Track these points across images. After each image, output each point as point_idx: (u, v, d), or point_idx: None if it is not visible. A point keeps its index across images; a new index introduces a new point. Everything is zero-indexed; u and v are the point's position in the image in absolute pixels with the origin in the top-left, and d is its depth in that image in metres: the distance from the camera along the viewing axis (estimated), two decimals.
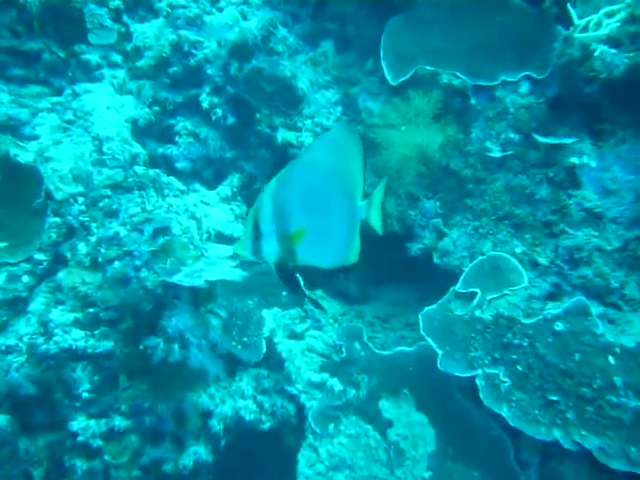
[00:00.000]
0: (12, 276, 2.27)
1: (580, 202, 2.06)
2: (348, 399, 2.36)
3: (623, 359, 1.82)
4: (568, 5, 1.97)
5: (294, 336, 2.57)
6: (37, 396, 2.19)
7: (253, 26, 2.56)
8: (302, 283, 2.61)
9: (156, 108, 2.77)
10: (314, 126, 2.67)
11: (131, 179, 2.46)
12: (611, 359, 1.83)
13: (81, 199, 2.38)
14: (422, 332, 2.20)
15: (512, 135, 2.24)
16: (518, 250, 2.18)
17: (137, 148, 2.63)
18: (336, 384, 2.39)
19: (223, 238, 2.62)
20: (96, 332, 2.25)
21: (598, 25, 1.90)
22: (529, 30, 2.23)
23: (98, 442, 2.22)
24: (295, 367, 2.46)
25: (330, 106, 2.67)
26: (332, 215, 1.41)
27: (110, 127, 2.62)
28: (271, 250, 1.40)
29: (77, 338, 2.22)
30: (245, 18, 2.69)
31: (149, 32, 2.79)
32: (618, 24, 1.85)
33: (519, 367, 1.97)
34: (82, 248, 2.31)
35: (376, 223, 1.45)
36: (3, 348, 2.18)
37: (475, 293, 2.16)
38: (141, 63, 2.75)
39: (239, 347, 2.47)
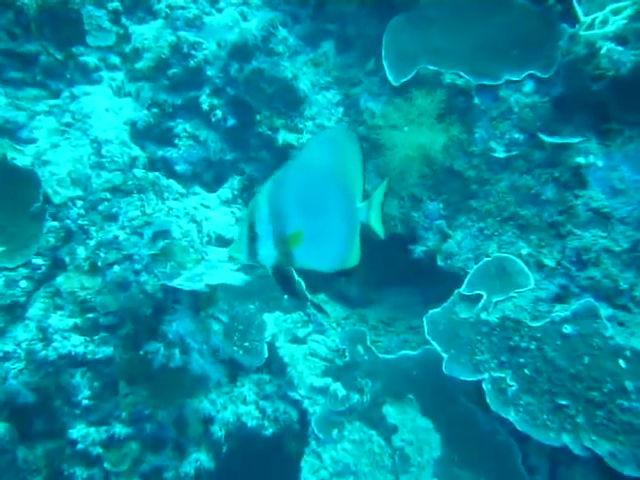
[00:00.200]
0: (10, 281, 2.24)
1: (587, 202, 2.03)
2: (352, 404, 2.33)
3: (634, 362, 1.79)
4: (574, 2, 1.94)
5: (296, 340, 2.54)
6: (36, 403, 2.16)
7: (253, 27, 2.53)
8: (304, 287, 2.58)
9: (155, 110, 2.75)
10: (315, 127, 2.65)
11: (130, 182, 2.43)
12: (621, 362, 1.80)
13: (80, 203, 2.36)
14: (427, 336, 2.17)
15: (517, 135, 2.22)
16: (524, 251, 2.15)
17: (136, 151, 2.60)
18: (339, 389, 2.36)
19: (224, 241, 2.59)
20: (95, 338, 2.22)
21: (604, 23, 1.88)
22: (533, 28, 2.21)
23: (98, 450, 2.18)
24: (297, 372, 2.43)
25: (331, 107, 2.65)
26: (330, 217, 1.37)
27: (109, 130, 2.59)
28: (267, 253, 1.35)
29: (76, 344, 2.19)
30: (245, 19, 2.67)
31: (148, 34, 2.77)
32: (625, 21, 1.82)
33: (526, 371, 1.93)
34: (81, 252, 2.28)
35: (376, 225, 1.41)
36: (1, 354, 2.15)
37: (480, 295, 2.13)
38: (140, 65, 2.72)
39: (241, 352, 2.44)
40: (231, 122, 2.72)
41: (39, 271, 2.27)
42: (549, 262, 2.07)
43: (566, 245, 2.05)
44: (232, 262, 2.40)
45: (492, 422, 2.09)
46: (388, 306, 2.92)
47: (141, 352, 2.19)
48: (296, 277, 2.58)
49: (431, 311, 2.22)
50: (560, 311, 1.94)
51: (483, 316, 2.09)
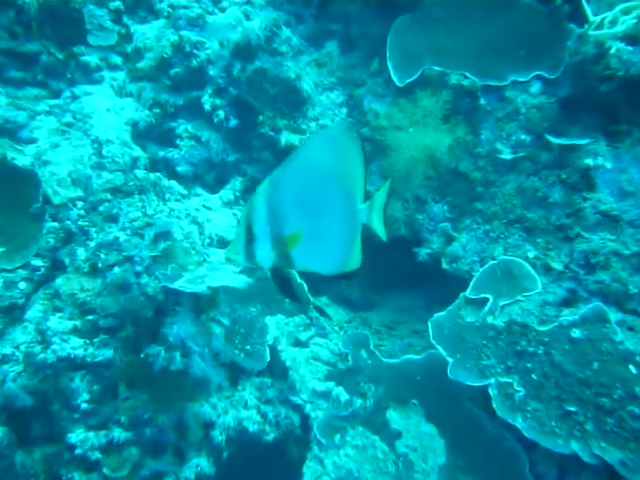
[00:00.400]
0: (9, 282, 2.21)
1: (595, 205, 2.00)
2: (355, 409, 2.30)
3: None
4: (583, 1, 1.91)
5: (298, 344, 2.51)
6: (34, 407, 2.13)
7: (256, 26, 2.51)
8: (306, 289, 2.56)
9: (157, 110, 2.72)
10: (319, 128, 2.62)
11: (131, 183, 2.40)
12: (632, 368, 1.76)
13: (80, 203, 2.33)
14: (432, 340, 2.14)
15: (523, 136, 2.19)
16: (531, 254, 2.12)
17: (137, 151, 2.58)
18: (342, 393, 2.33)
19: (225, 243, 2.56)
20: (95, 340, 2.18)
21: (613, 23, 1.85)
22: (540, 29, 2.18)
23: (97, 455, 2.15)
24: (300, 376, 2.40)
25: (335, 108, 2.62)
26: (330, 217, 1.32)
27: (110, 130, 2.57)
28: (265, 254, 1.31)
29: (76, 346, 2.16)
30: (248, 18, 2.65)
31: (150, 33, 2.74)
32: (635, 21, 1.80)
33: (534, 376, 1.90)
34: (81, 253, 2.25)
35: (379, 228, 1.36)
36: None
37: (486, 299, 2.10)
38: (142, 64, 2.70)
39: (242, 355, 2.41)
40: (233, 123, 2.69)
41: (38, 272, 2.24)
42: (557, 265, 2.04)
43: (574, 248, 2.02)
44: (233, 264, 2.37)
45: (499, 428, 2.06)
46: (391, 309, 2.90)
47: (141, 355, 2.16)
48: (298, 280, 2.55)
49: (436, 315, 2.19)
50: (568, 315, 1.91)
51: (489, 320, 2.06)
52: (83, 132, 2.54)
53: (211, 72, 2.66)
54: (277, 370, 2.46)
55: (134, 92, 2.76)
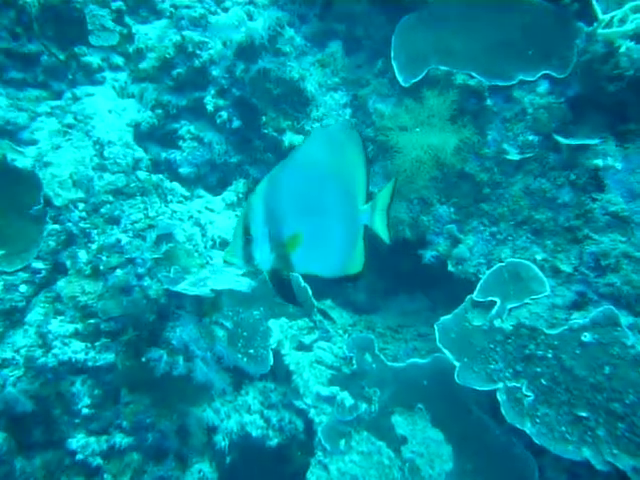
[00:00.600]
0: (9, 285, 2.19)
1: (605, 206, 1.96)
2: (359, 414, 2.26)
3: None
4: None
5: (302, 347, 2.48)
6: (34, 412, 2.10)
7: (260, 26, 2.48)
8: (310, 292, 2.53)
9: (159, 111, 2.70)
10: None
11: (133, 184, 2.38)
12: None
13: (81, 205, 2.31)
14: (438, 343, 2.11)
15: (531, 137, 2.16)
16: (539, 257, 2.09)
17: (139, 153, 2.56)
18: (347, 398, 2.30)
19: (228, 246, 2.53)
20: (97, 344, 2.16)
21: (623, 21, 1.82)
22: (548, 27, 2.15)
23: (98, 460, 2.13)
24: (303, 380, 2.37)
25: (339, 108, 2.59)
26: (330, 219, 1.29)
27: (112, 131, 2.55)
28: (264, 257, 1.28)
29: (77, 350, 2.13)
30: (251, 18, 2.62)
31: (152, 33, 2.73)
32: None
33: (543, 380, 1.86)
34: (82, 256, 2.23)
35: (381, 229, 1.32)
36: None
37: (494, 302, 2.07)
38: (144, 65, 2.68)
39: (245, 359, 2.38)
40: (236, 123, 2.67)
41: (39, 275, 2.23)
42: (565, 268, 2.01)
43: (583, 250, 1.98)
44: (232, 266, 2.33)
45: (507, 434, 2.02)
46: (396, 312, 2.87)
47: (143, 359, 2.14)
48: (302, 283, 2.52)
49: (442, 318, 2.15)
50: (578, 318, 1.87)
51: (497, 323, 2.03)
52: (85, 133, 2.52)
53: (214, 72, 2.64)
54: (280, 374, 2.43)
55: (136, 93, 2.74)
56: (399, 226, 2.43)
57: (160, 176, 2.53)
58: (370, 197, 1.32)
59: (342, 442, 2.23)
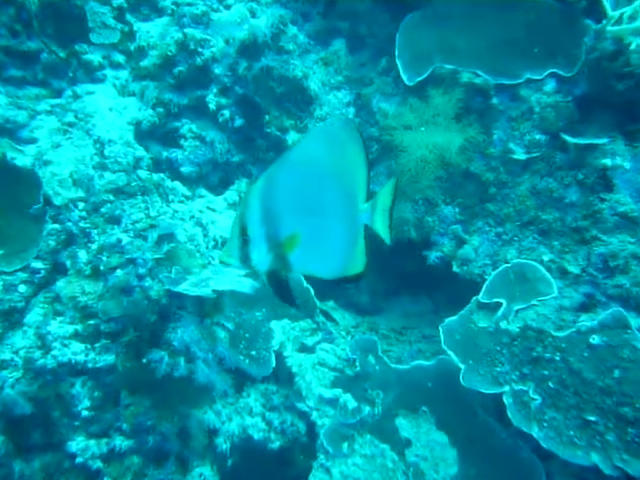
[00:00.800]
0: (8, 285, 2.16)
1: (613, 206, 1.94)
2: (362, 417, 2.24)
3: None
4: None
5: (305, 349, 2.45)
6: (33, 414, 2.07)
7: (263, 24, 2.46)
8: (313, 293, 2.50)
9: (160, 110, 2.67)
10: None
11: (134, 184, 2.35)
12: None
13: (81, 204, 2.28)
14: (443, 345, 2.08)
15: (538, 136, 2.13)
16: (546, 258, 2.06)
17: (140, 151, 2.53)
18: (349, 400, 2.27)
19: None
20: (97, 345, 2.13)
21: (633, 18, 1.79)
22: (555, 25, 2.13)
23: (98, 464, 2.10)
24: (306, 382, 2.34)
25: (342, 107, 2.57)
26: (329, 218, 1.25)
27: (112, 130, 2.53)
28: (261, 258, 1.24)
29: (77, 352, 2.11)
30: (254, 15, 2.59)
31: (153, 31, 2.70)
32: None
33: (551, 384, 1.83)
34: (82, 256, 2.20)
35: (382, 229, 1.28)
36: None
37: (500, 303, 2.04)
38: (145, 63, 2.65)
39: (247, 361, 2.36)
40: (239, 122, 2.64)
41: (38, 275, 2.20)
42: (573, 269, 1.98)
43: (591, 251, 1.96)
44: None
45: (514, 438, 1.99)
46: (400, 314, 2.84)
47: (144, 361, 2.11)
48: (304, 284, 2.50)
49: (447, 319, 2.13)
50: (586, 321, 1.84)
51: (503, 325, 2.00)
52: (85, 132, 2.49)
53: (216, 70, 2.61)
54: (283, 376, 2.41)
55: (137, 91, 2.71)
56: (404, 226, 2.40)
57: (161, 175, 2.51)
58: (371, 196, 1.29)
59: (345, 445, 2.20)
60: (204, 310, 2.28)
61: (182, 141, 2.69)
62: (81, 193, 2.30)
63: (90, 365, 2.10)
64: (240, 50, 2.54)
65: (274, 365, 2.33)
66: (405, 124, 2.32)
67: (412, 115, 2.30)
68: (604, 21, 1.88)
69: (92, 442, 2.10)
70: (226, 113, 2.62)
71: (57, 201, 2.26)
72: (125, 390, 2.15)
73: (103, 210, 2.26)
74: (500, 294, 2.05)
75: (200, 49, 2.57)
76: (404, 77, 2.34)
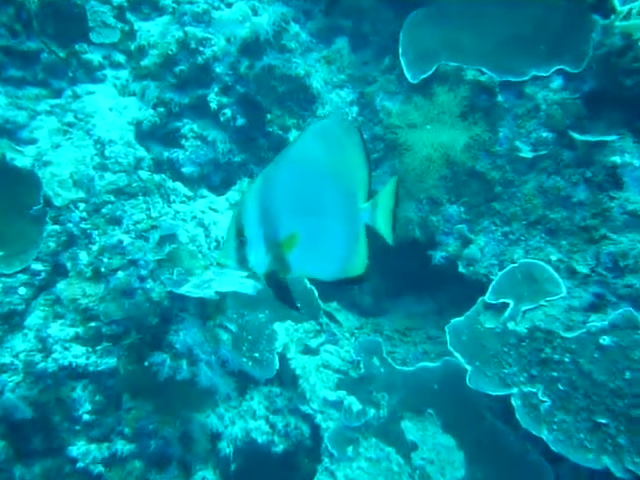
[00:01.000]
0: (7, 288, 2.13)
1: (623, 204, 1.91)
2: (367, 419, 2.22)
3: None
4: None
5: (308, 351, 2.43)
6: (34, 419, 2.04)
7: (265, 22, 2.43)
8: (316, 294, 2.48)
9: (161, 109, 2.65)
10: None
11: (135, 184, 2.32)
12: None
13: (82, 205, 2.25)
14: (449, 347, 2.05)
15: (544, 134, 2.10)
16: (553, 257, 2.03)
17: (141, 152, 2.50)
18: (354, 403, 2.25)
19: None
20: (98, 348, 2.10)
21: None
22: (561, 21, 2.10)
23: (99, 468, 2.07)
24: (310, 385, 2.32)
25: (345, 106, 2.54)
26: (328, 218, 1.21)
27: (113, 130, 2.50)
28: (259, 259, 1.21)
29: (77, 355, 2.08)
30: (256, 13, 2.57)
31: (154, 30, 2.68)
32: None
33: (560, 385, 1.80)
34: (83, 257, 2.17)
35: (384, 229, 1.23)
36: None
37: (507, 304, 2.01)
38: (145, 62, 2.62)
39: (250, 363, 2.33)
40: (241, 121, 2.61)
41: (39, 277, 2.17)
42: (582, 269, 1.95)
43: (600, 250, 1.92)
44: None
45: (522, 441, 1.96)
46: (403, 315, 2.81)
47: (146, 363, 2.08)
48: (308, 285, 2.47)
49: (453, 320, 2.10)
50: (596, 321, 1.81)
51: (510, 326, 1.97)
52: (85, 132, 2.47)
53: (217, 69, 2.58)
54: (286, 378, 2.39)
55: (137, 91, 2.69)
56: (408, 226, 2.38)
57: (162, 176, 2.48)
58: (373, 195, 1.25)
59: (350, 448, 2.18)
60: (206, 312, 2.25)
61: (183, 141, 2.66)
62: (81, 194, 2.27)
63: (91, 368, 2.07)
64: (242, 48, 2.51)
65: (277, 367, 2.31)
66: (409, 122, 2.29)
67: (417, 113, 2.27)
68: (612, 16, 1.86)
69: (93, 446, 2.07)
70: (228, 112, 2.59)
71: (57, 202, 2.23)
72: (127, 394, 2.12)
73: (104, 211, 2.24)
74: (507, 294, 2.03)
75: (201, 48, 2.55)
76: (408, 75, 2.32)
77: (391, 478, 2.11)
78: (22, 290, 2.15)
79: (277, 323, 2.43)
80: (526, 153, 2.12)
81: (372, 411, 2.23)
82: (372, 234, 1.26)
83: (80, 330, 2.11)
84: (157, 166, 2.62)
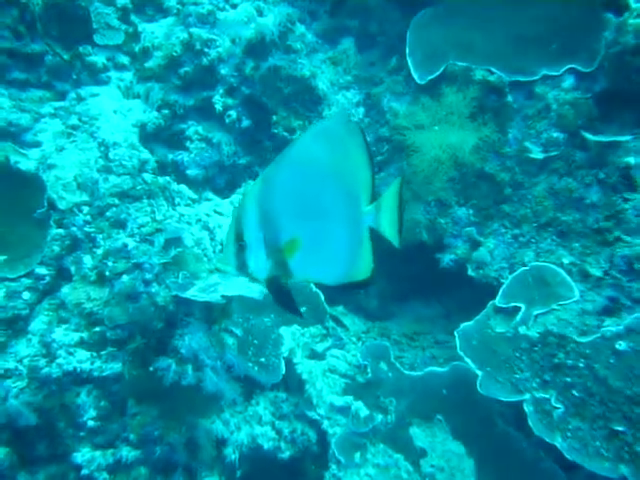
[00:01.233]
0: (11, 292, 2.11)
1: (638, 206, 1.87)
2: (375, 425, 2.18)
3: None
4: None
5: (315, 356, 2.40)
6: (38, 425, 2.02)
7: (270, 22, 2.41)
8: (323, 298, 2.45)
9: (165, 112, 2.62)
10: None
11: (140, 187, 2.30)
12: None
13: (86, 209, 2.24)
14: (459, 351, 2.02)
15: (555, 134, 2.07)
16: (566, 260, 1.99)
17: (146, 154, 2.48)
18: (361, 408, 2.22)
19: None
20: (103, 353, 2.08)
21: None
22: (573, 19, 2.06)
23: (104, 475, 2.05)
24: (316, 390, 2.29)
25: (352, 107, 2.51)
26: (330, 221, 1.18)
27: (117, 132, 2.48)
28: (259, 264, 1.17)
29: (82, 360, 2.06)
30: (261, 14, 2.54)
31: (158, 32, 2.65)
32: None
33: (575, 392, 1.76)
34: (87, 261, 2.15)
35: (389, 232, 1.19)
36: (1, 372, 2.02)
37: (518, 308, 1.97)
38: (150, 64, 2.60)
39: (256, 368, 2.30)
40: (246, 123, 2.59)
41: (43, 281, 2.15)
42: (595, 272, 1.91)
43: (615, 253, 1.89)
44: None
45: (535, 448, 1.92)
46: (411, 319, 2.78)
47: (151, 369, 2.06)
48: (314, 288, 2.44)
49: (463, 324, 2.07)
50: (611, 325, 1.77)
51: (522, 330, 1.93)
52: (89, 135, 2.45)
53: (222, 71, 2.56)
54: (293, 383, 2.36)
55: (142, 93, 2.67)
56: (416, 228, 2.34)
57: (167, 178, 2.46)
58: (376, 197, 1.21)
59: (357, 455, 2.15)
60: (212, 316, 2.22)
61: (188, 143, 2.64)
62: (86, 197, 2.25)
63: (96, 374, 2.06)
64: (247, 50, 2.49)
65: (284, 372, 2.28)
66: (417, 123, 2.26)
67: (424, 114, 2.24)
68: (626, 14, 1.82)
69: (98, 453, 2.05)
70: (233, 114, 2.57)
71: (61, 205, 2.22)
72: (132, 399, 2.10)
73: (108, 214, 2.22)
74: (518, 298, 1.99)
75: (206, 49, 2.52)
76: (415, 75, 2.29)
77: None
78: (26, 295, 2.13)
79: (283, 327, 2.40)
80: (537, 154, 2.08)
81: (380, 417, 2.20)
82: (378, 236, 1.23)
83: (85, 335, 2.09)
84: (162, 169, 2.60)
